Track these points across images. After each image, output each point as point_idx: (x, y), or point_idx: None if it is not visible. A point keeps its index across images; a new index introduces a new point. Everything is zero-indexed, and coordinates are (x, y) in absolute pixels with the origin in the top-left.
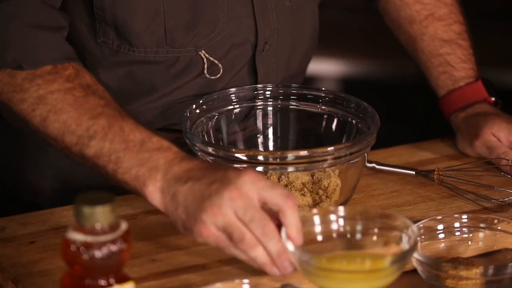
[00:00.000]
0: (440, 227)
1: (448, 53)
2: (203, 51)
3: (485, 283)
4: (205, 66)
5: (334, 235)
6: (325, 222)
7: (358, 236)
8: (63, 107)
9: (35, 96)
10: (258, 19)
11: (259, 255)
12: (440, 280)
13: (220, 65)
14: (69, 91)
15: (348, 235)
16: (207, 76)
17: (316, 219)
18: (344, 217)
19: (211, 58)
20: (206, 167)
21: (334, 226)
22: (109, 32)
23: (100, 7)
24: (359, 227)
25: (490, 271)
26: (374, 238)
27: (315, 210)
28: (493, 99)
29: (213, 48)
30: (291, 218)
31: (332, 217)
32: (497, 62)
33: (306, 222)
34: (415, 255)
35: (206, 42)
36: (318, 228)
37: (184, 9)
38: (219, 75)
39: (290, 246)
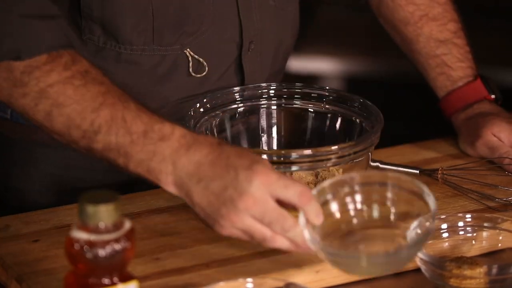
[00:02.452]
0: (444, 226)
1: (444, 53)
2: (188, 49)
3: (489, 282)
4: (190, 64)
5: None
6: (339, 195)
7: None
8: (65, 101)
9: (36, 90)
10: (242, 18)
11: (282, 245)
12: (444, 279)
13: (205, 63)
14: (68, 80)
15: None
16: (192, 74)
17: (329, 194)
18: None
19: (196, 56)
20: (215, 162)
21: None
22: (95, 29)
23: (87, 4)
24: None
25: (494, 270)
26: (392, 214)
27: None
28: (493, 96)
29: (198, 46)
30: (310, 213)
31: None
32: (494, 60)
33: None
34: (419, 254)
35: (192, 40)
36: (334, 206)
37: (172, 7)
38: (204, 73)
39: (307, 235)
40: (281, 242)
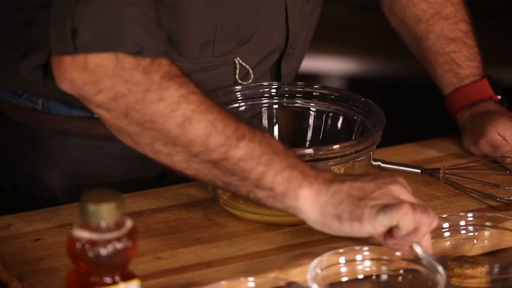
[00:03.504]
0: (446, 225)
1: (454, 51)
2: (238, 58)
3: (490, 281)
4: (237, 71)
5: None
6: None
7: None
8: (208, 108)
9: (177, 95)
10: (290, 25)
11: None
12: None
13: (251, 70)
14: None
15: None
16: (239, 81)
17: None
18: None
19: (244, 64)
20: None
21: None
22: None
23: (157, 18)
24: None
25: (496, 269)
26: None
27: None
28: (499, 97)
29: (247, 54)
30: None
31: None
32: (500, 60)
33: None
34: (420, 252)
35: (244, 49)
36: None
37: (232, 19)
38: (250, 81)
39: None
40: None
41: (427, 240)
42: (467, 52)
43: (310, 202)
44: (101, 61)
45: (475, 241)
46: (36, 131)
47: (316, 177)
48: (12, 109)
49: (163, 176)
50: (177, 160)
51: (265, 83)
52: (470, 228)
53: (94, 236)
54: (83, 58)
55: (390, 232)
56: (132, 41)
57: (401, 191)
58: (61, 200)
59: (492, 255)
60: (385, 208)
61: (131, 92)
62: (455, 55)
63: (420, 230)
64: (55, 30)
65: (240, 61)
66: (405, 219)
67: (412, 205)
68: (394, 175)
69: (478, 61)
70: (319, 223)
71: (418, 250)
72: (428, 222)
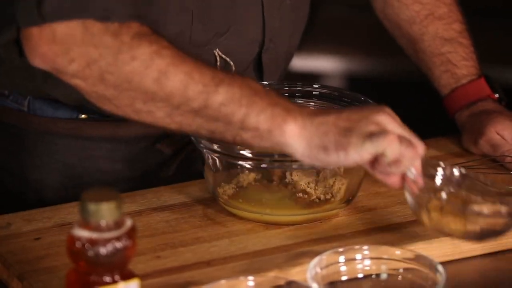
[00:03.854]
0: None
1: (449, 51)
2: (217, 50)
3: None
4: (218, 64)
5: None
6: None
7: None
8: (183, 60)
9: (149, 51)
10: (266, 18)
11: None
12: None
13: (231, 62)
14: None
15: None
16: None
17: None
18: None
19: (224, 56)
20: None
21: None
22: None
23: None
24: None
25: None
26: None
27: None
28: (496, 95)
29: (226, 46)
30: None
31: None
32: (496, 59)
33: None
34: (411, 175)
35: (222, 40)
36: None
37: (208, 9)
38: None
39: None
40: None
41: (417, 167)
42: (463, 52)
43: (297, 136)
44: (69, 30)
45: None
46: (24, 131)
47: (301, 111)
48: (1, 110)
49: (149, 176)
50: (159, 116)
51: (265, 83)
52: None
53: (94, 235)
54: (50, 30)
55: (376, 161)
56: (99, 6)
57: (387, 121)
58: (47, 200)
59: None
60: (371, 136)
61: (103, 56)
62: (451, 55)
63: (402, 162)
64: (21, 2)
65: (220, 53)
66: (391, 146)
67: (399, 136)
68: (380, 105)
69: (474, 60)
70: (306, 156)
71: (411, 174)
72: (410, 156)
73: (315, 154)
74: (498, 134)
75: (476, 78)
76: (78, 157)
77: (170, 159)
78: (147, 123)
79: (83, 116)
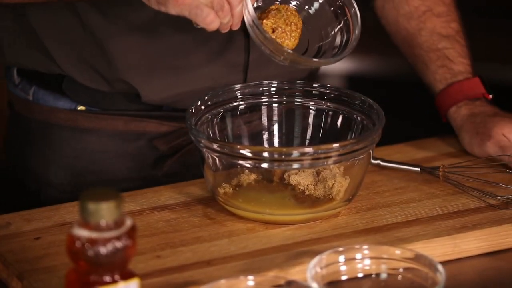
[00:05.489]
0: None
1: (446, 47)
2: None
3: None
4: None
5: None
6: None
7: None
8: None
9: None
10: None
11: (234, 21)
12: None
13: None
14: None
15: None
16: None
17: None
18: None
19: None
20: None
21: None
22: None
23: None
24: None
25: None
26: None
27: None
28: (491, 96)
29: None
30: None
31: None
32: (500, 60)
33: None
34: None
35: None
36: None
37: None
38: None
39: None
40: (236, 17)
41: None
42: (460, 49)
43: None
44: None
45: None
46: (28, 121)
47: None
48: (13, 99)
49: (145, 173)
50: None
51: (265, 82)
52: None
53: (93, 235)
54: None
55: None
56: None
57: None
58: (45, 193)
59: (491, 255)
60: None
61: None
62: (448, 51)
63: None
64: None
65: None
66: (176, 9)
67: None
68: None
69: (470, 59)
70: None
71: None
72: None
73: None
74: (505, 136)
75: (472, 76)
76: (71, 149)
77: (166, 157)
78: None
79: (80, 107)
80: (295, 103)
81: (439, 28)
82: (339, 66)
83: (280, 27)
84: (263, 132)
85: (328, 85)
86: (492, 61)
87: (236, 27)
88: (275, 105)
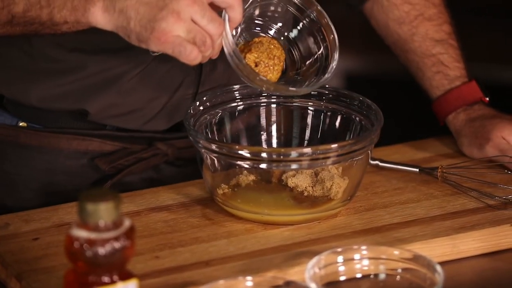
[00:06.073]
0: None
1: (441, 52)
2: None
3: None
4: None
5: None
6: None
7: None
8: None
9: None
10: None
11: (214, 52)
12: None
13: None
14: None
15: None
16: None
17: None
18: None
19: None
20: None
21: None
22: None
23: None
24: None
25: None
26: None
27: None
28: (487, 99)
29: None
30: (237, 12)
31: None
32: (489, 58)
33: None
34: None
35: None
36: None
37: None
38: None
39: (230, 36)
40: (216, 48)
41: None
42: (454, 53)
43: (103, 20)
44: None
45: None
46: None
47: None
48: None
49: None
50: None
51: None
52: None
53: (92, 235)
54: None
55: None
56: None
57: (189, 9)
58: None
59: (490, 255)
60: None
61: None
62: (442, 56)
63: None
64: None
65: None
66: (158, 47)
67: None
68: None
69: (463, 62)
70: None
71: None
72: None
73: (127, 39)
74: (504, 139)
75: (468, 80)
76: (13, 165)
77: (108, 177)
78: None
79: (22, 123)
80: (293, 103)
81: (431, 33)
82: (338, 66)
83: (263, 61)
84: (262, 132)
85: (327, 86)
86: (492, 61)
87: (215, 57)
88: (273, 105)
